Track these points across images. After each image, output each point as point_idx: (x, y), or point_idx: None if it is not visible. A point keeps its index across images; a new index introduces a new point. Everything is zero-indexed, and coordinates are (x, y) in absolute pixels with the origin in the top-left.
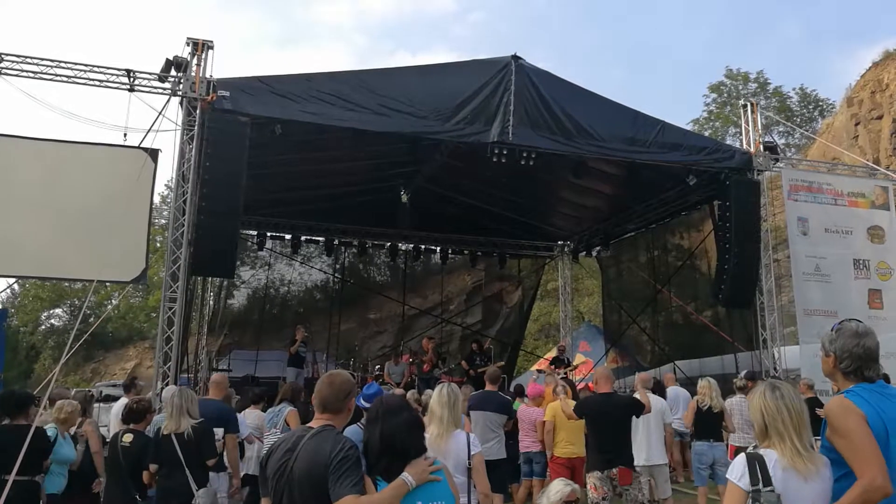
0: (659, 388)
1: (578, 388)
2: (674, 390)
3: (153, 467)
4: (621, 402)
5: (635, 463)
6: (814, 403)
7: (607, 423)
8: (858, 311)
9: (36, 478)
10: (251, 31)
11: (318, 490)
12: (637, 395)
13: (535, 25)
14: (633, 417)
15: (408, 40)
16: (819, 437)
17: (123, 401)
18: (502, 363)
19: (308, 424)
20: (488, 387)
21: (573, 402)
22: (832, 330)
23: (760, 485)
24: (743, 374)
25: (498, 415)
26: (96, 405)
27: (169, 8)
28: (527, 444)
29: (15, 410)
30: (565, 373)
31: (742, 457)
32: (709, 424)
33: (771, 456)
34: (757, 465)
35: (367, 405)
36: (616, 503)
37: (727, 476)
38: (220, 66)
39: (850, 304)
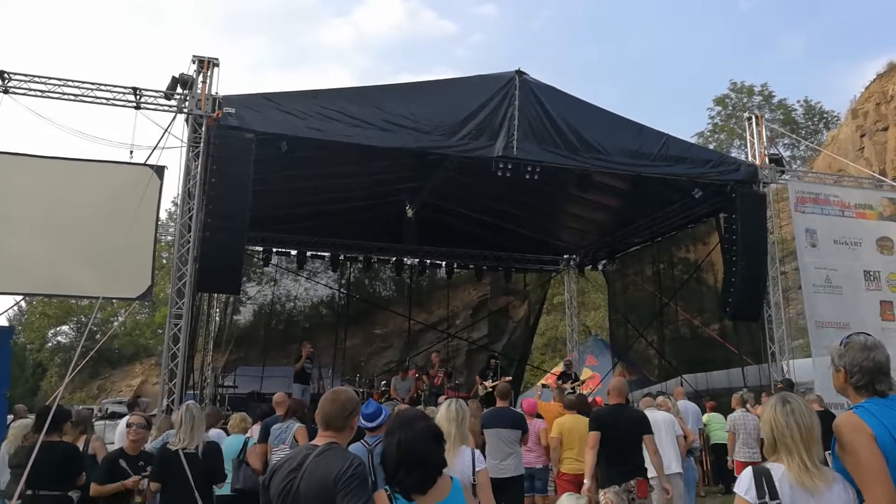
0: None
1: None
2: (683, 404)
3: (154, 485)
4: (635, 414)
5: (654, 473)
6: (826, 417)
7: (623, 434)
8: (870, 322)
9: (69, 493)
10: (254, 55)
11: None
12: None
13: (535, 44)
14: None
15: (409, 62)
16: (830, 451)
17: (127, 419)
18: (509, 378)
19: (312, 442)
20: (499, 403)
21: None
22: (840, 344)
23: (767, 497)
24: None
25: (512, 430)
26: (102, 422)
27: (173, 32)
28: (529, 459)
29: (50, 427)
30: (573, 387)
31: (749, 470)
32: None
33: (777, 470)
34: (763, 479)
35: (367, 424)
36: None
37: (734, 489)
38: (225, 86)
39: (861, 315)
